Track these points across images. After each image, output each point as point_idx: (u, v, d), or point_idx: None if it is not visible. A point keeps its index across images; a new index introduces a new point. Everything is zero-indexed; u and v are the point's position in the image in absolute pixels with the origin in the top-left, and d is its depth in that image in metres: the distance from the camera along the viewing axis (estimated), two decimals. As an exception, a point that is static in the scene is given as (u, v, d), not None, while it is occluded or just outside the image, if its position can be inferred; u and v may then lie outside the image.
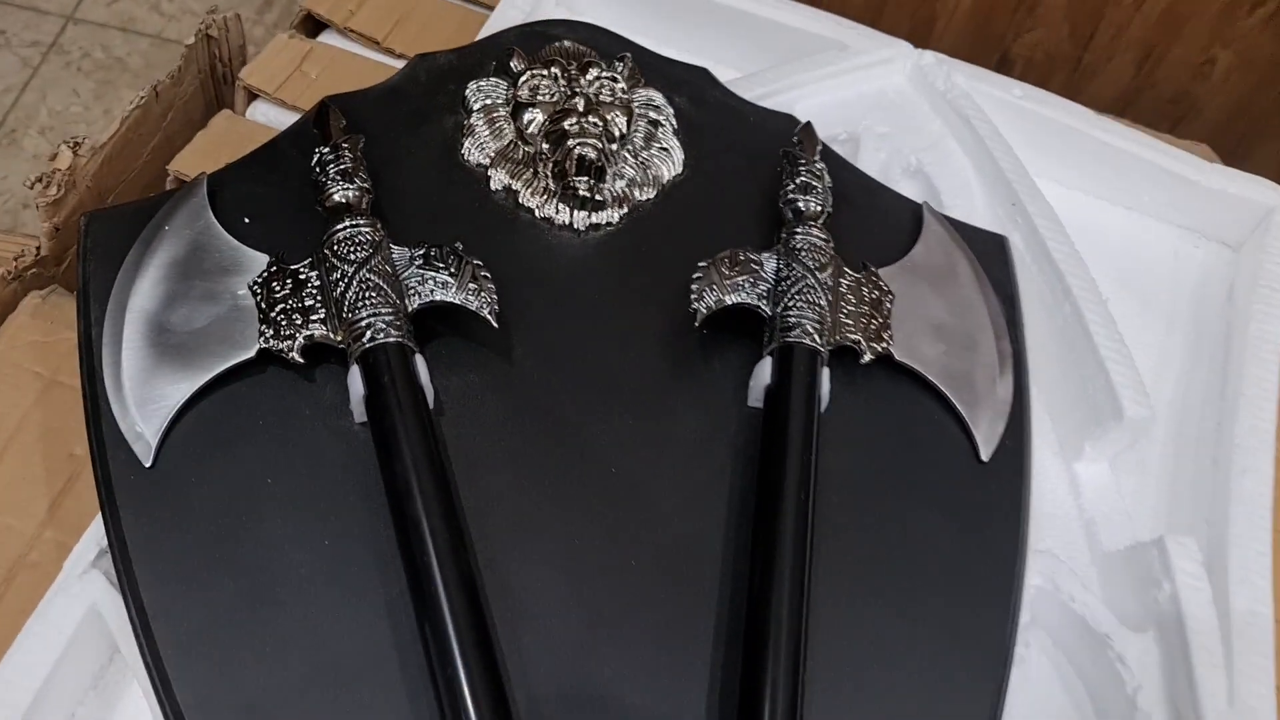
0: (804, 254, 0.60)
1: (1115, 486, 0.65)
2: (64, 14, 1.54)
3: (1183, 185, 0.75)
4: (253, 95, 0.78)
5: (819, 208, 0.63)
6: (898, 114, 0.76)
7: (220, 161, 0.66)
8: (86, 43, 1.52)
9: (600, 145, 0.64)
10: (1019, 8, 1.13)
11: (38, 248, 0.69)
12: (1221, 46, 1.12)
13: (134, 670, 0.53)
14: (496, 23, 0.76)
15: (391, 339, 0.54)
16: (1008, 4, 1.13)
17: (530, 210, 0.64)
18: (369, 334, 0.54)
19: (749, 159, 0.69)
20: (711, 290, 0.59)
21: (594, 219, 0.64)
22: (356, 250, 0.56)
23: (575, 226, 0.64)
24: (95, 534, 0.53)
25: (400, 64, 0.79)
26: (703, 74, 0.73)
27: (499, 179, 0.65)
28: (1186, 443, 0.68)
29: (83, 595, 0.52)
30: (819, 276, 0.60)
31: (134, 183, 0.75)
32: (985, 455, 0.60)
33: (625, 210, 0.65)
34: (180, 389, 0.54)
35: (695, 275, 0.60)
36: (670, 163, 0.67)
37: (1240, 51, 1.12)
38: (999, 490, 0.59)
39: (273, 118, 0.77)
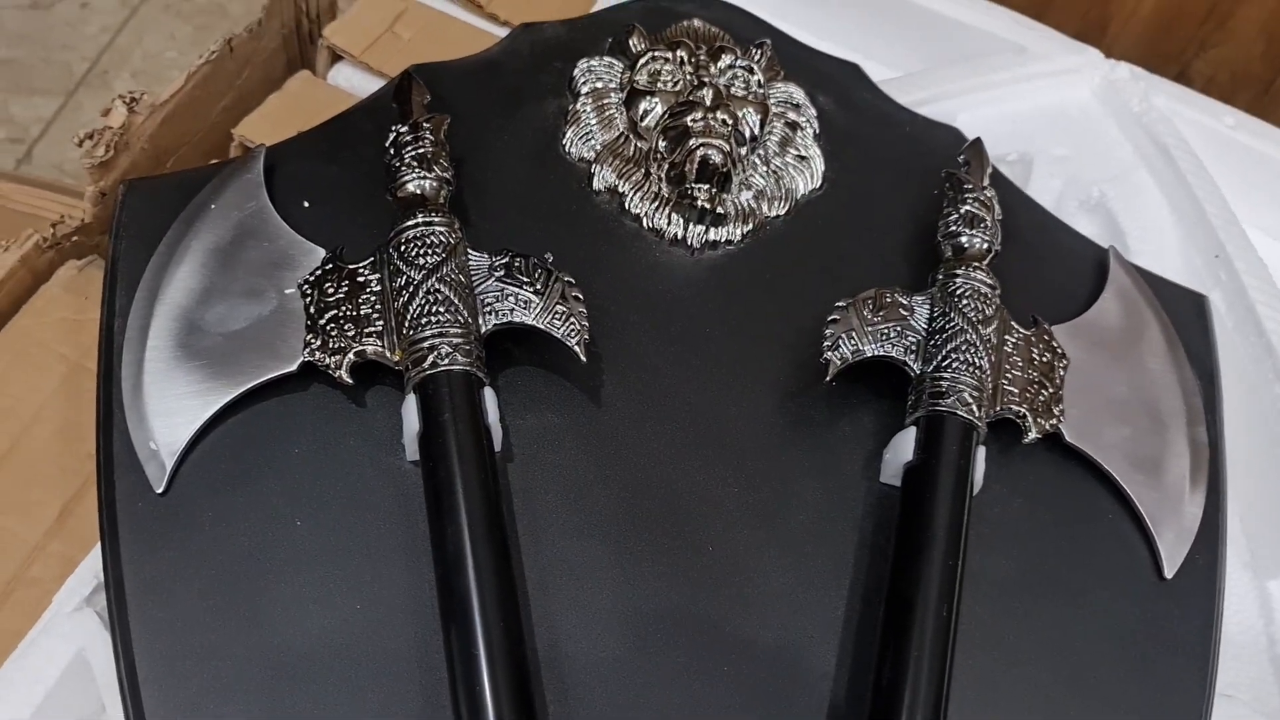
0: (965, 302, 0.50)
1: (1317, 614, 0.53)
2: (170, -47, 1.48)
3: None
4: (336, 56, 0.70)
5: (986, 245, 0.52)
6: (1080, 135, 0.64)
7: (293, 129, 0.58)
8: (192, -16, 1.46)
9: (727, 148, 0.53)
10: (1208, 18, 0.99)
11: (82, 215, 0.61)
12: None
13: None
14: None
15: (458, 366, 0.45)
16: (1196, 13, 0.99)
17: (637, 218, 0.54)
18: (431, 358, 0.45)
19: (901, 176, 0.58)
20: (850, 338, 0.49)
21: (712, 235, 0.54)
22: (427, 253, 0.47)
23: (689, 242, 0.54)
24: (94, 564, 0.46)
25: (503, 32, 0.70)
26: (853, 70, 0.62)
27: (604, 178, 0.55)
28: (1407, 567, 0.56)
29: (71, 637, 0.44)
30: (981, 331, 0.49)
31: (197, 146, 0.67)
32: (1169, 572, 0.49)
33: (750, 227, 0.55)
34: (207, 402, 0.46)
35: (831, 318, 0.49)
36: (808, 174, 0.57)
37: None
38: (1185, 618, 0.48)
39: (356, 84, 0.69)
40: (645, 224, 0.54)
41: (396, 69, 0.67)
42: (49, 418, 0.55)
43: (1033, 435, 0.49)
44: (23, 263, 0.58)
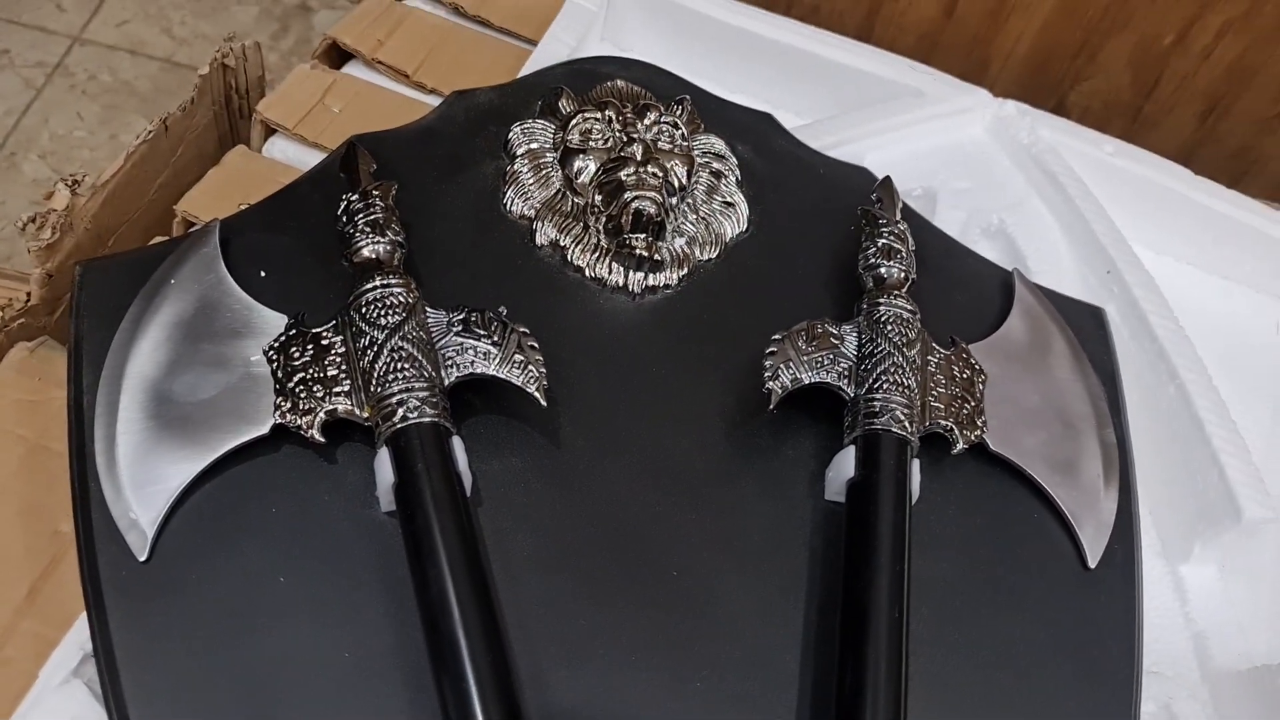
0: (889, 327, 0.54)
1: (1224, 593, 0.58)
2: (70, 34, 1.48)
3: (1287, 254, 0.68)
4: (270, 130, 0.72)
5: (903, 274, 0.56)
6: (977, 168, 0.70)
7: (233, 202, 0.60)
8: (93, 65, 1.46)
9: (660, 199, 0.57)
10: (1079, 53, 1.07)
11: (27, 295, 0.62)
12: (1293, 99, 1.06)
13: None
14: (540, 58, 0.70)
15: (426, 418, 0.47)
16: (1067, 49, 1.07)
17: (580, 269, 0.58)
18: (401, 412, 0.47)
19: (820, 216, 0.62)
20: (788, 368, 0.52)
21: (651, 280, 0.58)
22: (388, 314, 0.49)
23: (630, 289, 0.57)
24: (79, 636, 0.46)
25: (432, 100, 0.73)
26: (767, 119, 0.66)
27: (545, 233, 0.58)
28: (1301, 546, 0.61)
29: (61, 710, 0.45)
30: (907, 354, 0.53)
31: (138, 223, 0.68)
32: (1092, 563, 0.53)
33: (685, 271, 0.59)
34: (183, 470, 0.47)
35: (769, 350, 0.53)
36: (734, 219, 0.61)
37: (1314, 104, 1.06)
38: (1109, 603, 0.52)
39: (292, 155, 0.71)
40: (588, 274, 0.58)
41: (330, 140, 0.70)
42: (10, 498, 0.56)
43: (960, 446, 0.53)
44: (-27, 346, 0.59)
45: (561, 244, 0.58)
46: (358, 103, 0.73)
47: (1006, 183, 0.69)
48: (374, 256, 0.52)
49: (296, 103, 0.72)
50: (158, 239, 0.65)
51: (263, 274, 0.54)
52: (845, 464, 0.51)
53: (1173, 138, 1.14)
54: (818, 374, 0.53)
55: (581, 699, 0.46)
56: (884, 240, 0.57)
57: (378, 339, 0.49)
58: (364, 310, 0.50)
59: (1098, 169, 0.69)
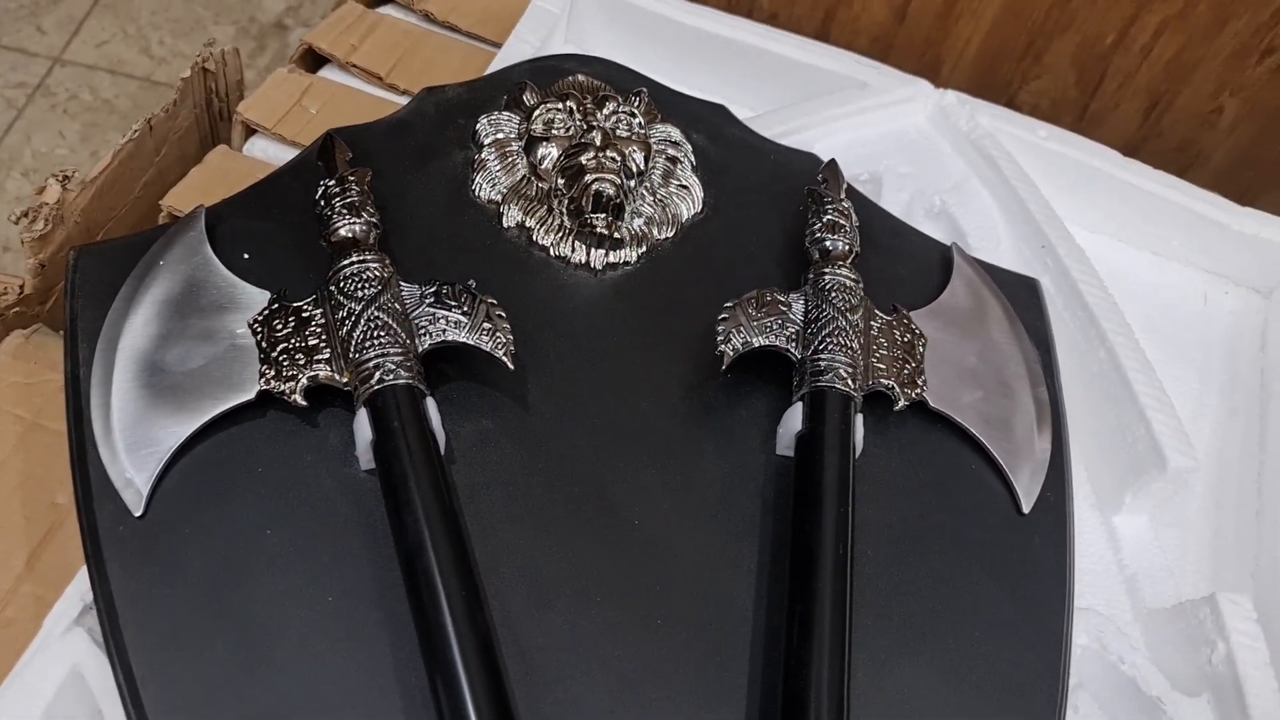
0: (834, 295, 0.58)
1: (1155, 541, 0.62)
2: (51, 55, 1.51)
3: (1212, 229, 0.73)
4: (250, 130, 0.75)
5: (847, 247, 0.60)
6: (919, 154, 0.74)
7: (216, 197, 0.63)
8: (74, 84, 1.49)
9: (619, 181, 0.61)
10: (1026, 54, 1.12)
11: (21, 285, 0.65)
12: (1229, 95, 1.11)
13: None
14: (505, 58, 0.74)
15: (401, 380, 0.51)
16: (1014, 50, 1.12)
17: (545, 248, 0.61)
18: (377, 375, 0.51)
19: (770, 198, 0.66)
20: (739, 332, 0.56)
21: (611, 258, 0.62)
22: (364, 287, 0.53)
23: (592, 265, 0.61)
24: (79, 589, 0.50)
25: (403, 100, 0.77)
26: (720, 111, 0.70)
27: (512, 216, 0.62)
28: (1227, 495, 0.66)
29: (64, 655, 0.48)
30: (850, 318, 0.57)
31: (124, 219, 0.71)
32: (1026, 508, 0.57)
33: (644, 249, 0.62)
34: (174, 433, 0.50)
35: (721, 316, 0.57)
36: (690, 201, 0.65)
37: (1248, 100, 1.11)
38: (1042, 545, 0.56)
39: (271, 154, 0.74)
40: (552, 252, 0.61)
41: (308, 139, 0.74)
42: (10, 473, 0.59)
43: (901, 403, 0.57)
44: (-30, 333, 0.62)
45: (527, 225, 0.62)
46: (333, 104, 0.77)
47: (947, 166, 0.73)
48: (351, 236, 0.55)
49: (275, 104, 0.76)
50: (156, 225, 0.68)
51: (246, 256, 0.58)
52: (794, 419, 0.55)
53: (1119, 133, 1.19)
54: (767, 337, 0.57)
55: (549, 638, 0.49)
56: (829, 216, 0.61)
57: (355, 310, 0.53)
58: (342, 284, 0.53)
59: (1032, 153, 0.74)
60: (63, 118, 1.46)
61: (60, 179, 0.66)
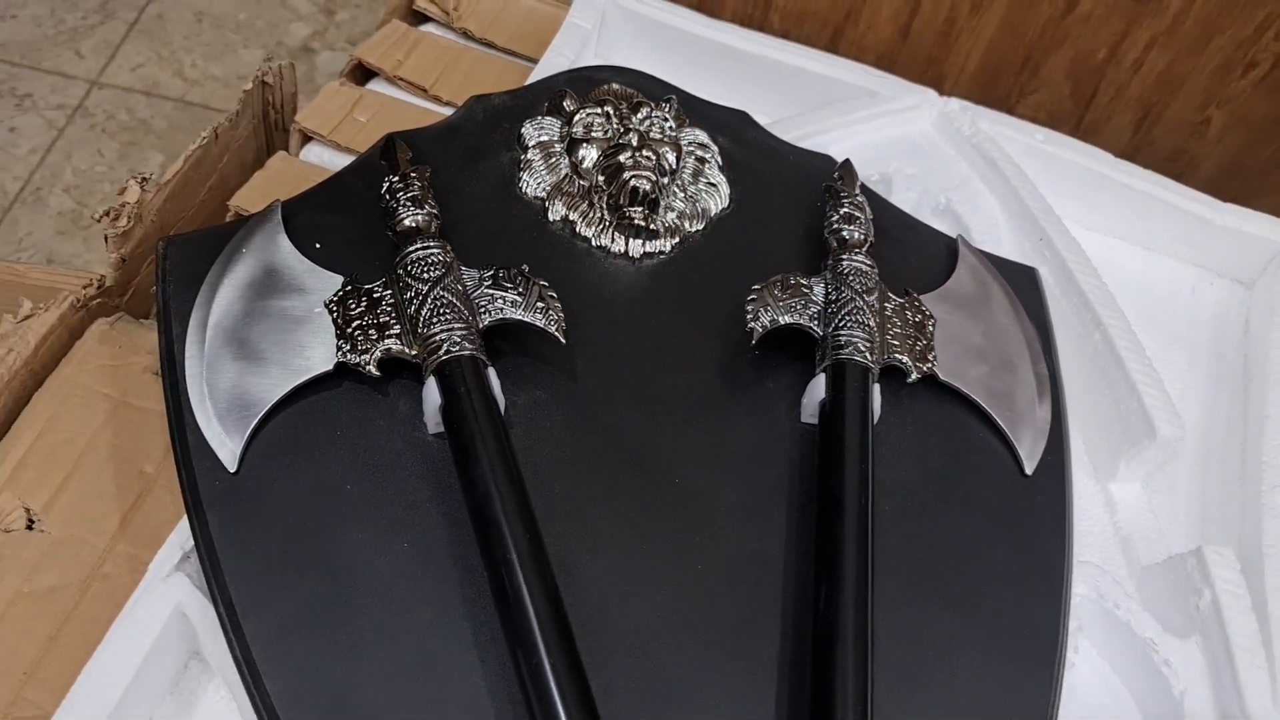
0: (851, 278, 0.64)
1: (1148, 505, 0.68)
2: (89, 79, 1.58)
3: (1197, 224, 0.79)
4: (306, 138, 0.81)
5: (862, 236, 0.66)
6: (926, 157, 0.80)
7: (278, 197, 0.69)
8: (111, 106, 1.56)
9: (654, 178, 0.67)
10: (1023, 69, 1.18)
11: (102, 279, 0.71)
12: (1216, 107, 1.17)
13: (218, 669, 0.54)
14: (543, 70, 0.80)
15: (466, 352, 0.56)
16: (1012, 65, 1.18)
17: (587, 240, 0.67)
18: (445, 347, 0.56)
19: (791, 195, 0.72)
20: (766, 310, 0.62)
21: (648, 248, 0.67)
22: (429, 270, 0.59)
23: (630, 255, 0.67)
24: (177, 539, 0.55)
25: (446, 110, 0.83)
26: (742, 116, 0.77)
27: (556, 210, 0.68)
28: (1214, 465, 0.71)
29: (168, 596, 0.53)
30: (866, 299, 0.63)
31: (193, 218, 0.77)
32: (1029, 469, 0.62)
33: (676, 240, 0.68)
34: (262, 399, 0.56)
35: (750, 298, 0.63)
36: (717, 197, 0.71)
37: (1234, 111, 1.17)
38: (1044, 502, 0.62)
39: (326, 159, 0.81)
40: (593, 243, 0.67)
41: (360, 146, 0.80)
42: (100, 445, 0.64)
43: (914, 376, 0.63)
44: (60, 321, 0.68)
45: (570, 219, 0.68)
46: (382, 114, 0.83)
47: (951, 168, 0.79)
48: (415, 225, 0.61)
49: (328, 114, 0.82)
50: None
51: (318, 245, 0.63)
52: (817, 389, 0.61)
53: (1113, 144, 1.26)
54: (792, 316, 0.62)
55: (601, 578, 0.55)
56: (845, 209, 0.67)
57: (422, 290, 0.58)
58: (409, 268, 0.59)
59: (1030, 155, 0.80)
60: (101, 137, 1.52)
61: (139, 180, 0.72)
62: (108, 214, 0.71)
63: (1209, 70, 1.14)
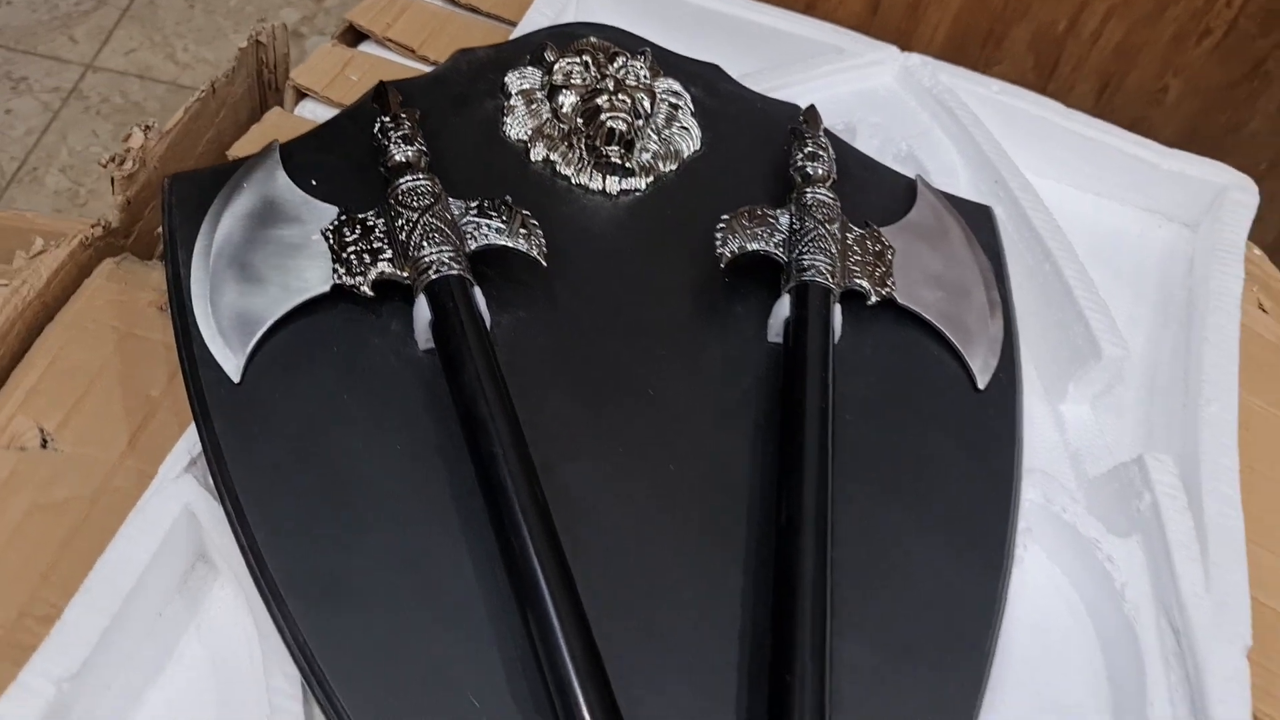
0: (815, 209, 0.68)
1: (1096, 425, 0.72)
2: (83, 62, 1.62)
3: (1144, 169, 0.83)
4: (301, 95, 0.86)
5: (825, 172, 0.71)
6: (889, 108, 0.84)
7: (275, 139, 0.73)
8: (105, 89, 1.60)
9: (629, 119, 0.71)
10: (987, 41, 1.23)
11: (109, 221, 0.75)
12: (1173, 75, 1.22)
13: (224, 568, 0.58)
14: (524, 29, 0.84)
15: (454, 272, 0.61)
16: (977, 37, 1.23)
17: (567, 178, 0.72)
18: (434, 268, 0.61)
19: (760, 139, 0.77)
20: (734, 238, 0.66)
21: (624, 185, 0.72)
22: (419, 199, 0.63)
23: (608, 191, 0.71)
24: (186, 445, 0.59)
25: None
26: (715, 69, 0.81)
27: (538, 152, 0.72)
28: (1158, 390, 0.76)
29: (177, 496, 0.57)
30: (829, 228, 0.67)
31: (194, 166, 0.81)
32: (981, 384, 0.67)
33: (651, 179, 0.73)
34: (264, 317, 0.60)
35: (719, 227, 0.67)
36: (689, 140, 0.75)
37: (1189, 79, 1.22)
38: (995, 414, 0.66)
39: (319, 115, 0.84)
40: (573, 181, 0.72)
41: (351, 101, 0.84)
42: (110, 372, 0.68)
43: (874, 299, 0.67)
44: (70, 258, 0.72)
45: (551, 159, 0.72)
46: (373, 72, 0.87)
47: (913, 118, 0.84)
48: (405, 160, 0.66)
49: (322, 72, 0.86)
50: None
51: (314, 182, 0.67)
52: (782, 309, 0.65)
53: (1075, 114, 1.31)
54: (759, 243, 0.67)
55: (580, 479, 0.59)
56: (809, 148, 0.72)
57: (412, 218, 0.63)
58: (400, 198, 0.63)
59: (987, 105, 0.84)
60: (95, 119, 1.56)
61: (143, 129, 0.76)
62: (114, 159, 0.75)
63: (1165, 39, 1.19)
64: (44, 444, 0.64)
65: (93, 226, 0.73)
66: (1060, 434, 0.72)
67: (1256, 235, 0.91)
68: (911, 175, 0.80)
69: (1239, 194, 0.82)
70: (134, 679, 0.56)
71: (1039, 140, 0.84)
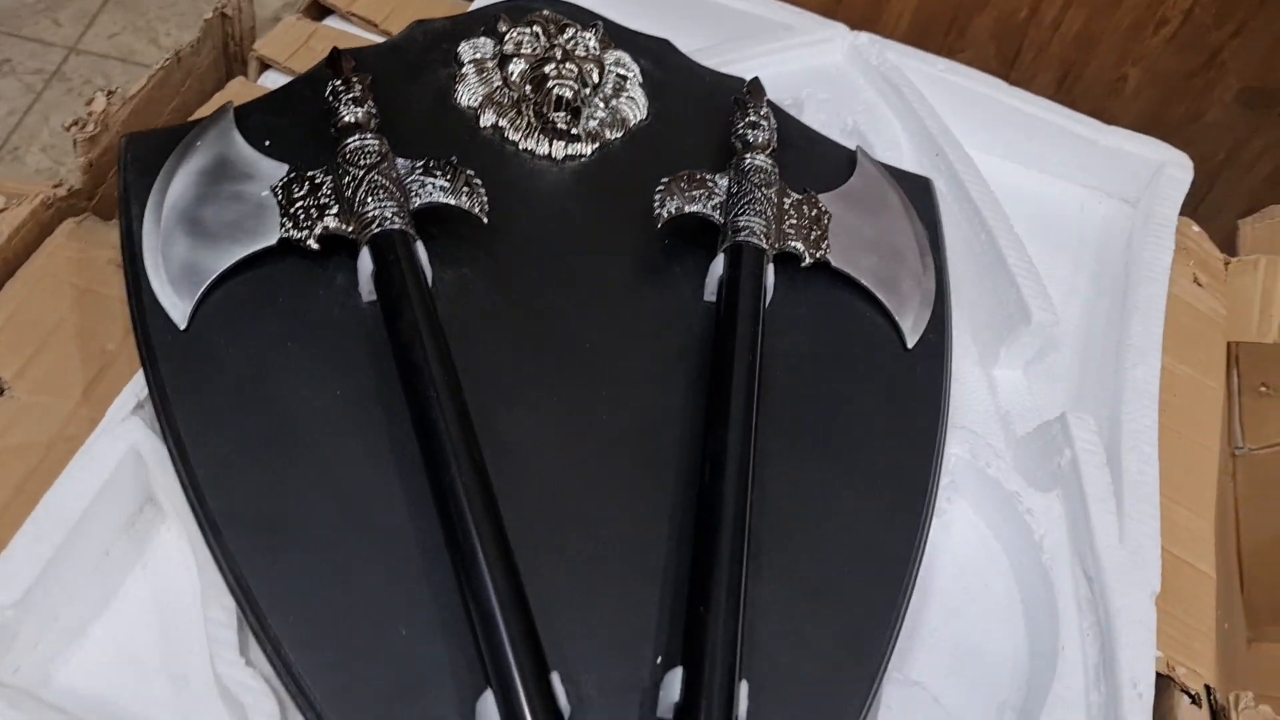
0: (752, 174, 0.70)
1: (1027, 389, 0.75)
2: (66, 45, 1.64)
3: (1084, 145, 0.86)
4: (264, 66, 0.88)
5: (765, 140, 0.73)
6: (836, 84, 0.87)
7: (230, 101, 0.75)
8: (88, 71, 1.62)
9: (576, 88, 0.73)
10: (950, 29, 1.26)
11: (71, 184, 0.77)
12: (1132, 64, 1.25)
13: (170, 510, 0.60)
14: (482, 2, 0.86)
15: (396, 226, 0.63)
16: (940, 25, 1.25)
17: (514, 143, 0.74)
18: (377, 223, 0.63)
19: (705, 111, 0.79)
20: (672, 199, 0.69)
21: (569, 150, 0.74)
22: (366, 158, 0.65)
23: (554, 156, 0.74)
24: (134, 388, 0.61)
25: (397, 43, 0.89)
26: (665, 44, 0.83)
27: (487, 118, 0.75)
28: (1090, 359, 0.78)
29: (124, 436, 0.59)
30: (765, 192, 0.69)
31: (157, 135, 0.83)
32: (910, 344, 0.69)
33: (596, 145, 0.75)
34: (211, 268, 0.62)
35: (658, 189, 0.69)
36: (636, 110, 0.77)
37: (1148, 68, 1.24)
38: (923, 372, 0.68)
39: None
40: (520, 146, 0.74)
41: (313, 71, 0.86)
42: (67, 325, 0.70)
43: (808, 261, 0.69)
44: (32, 216, 0.74)
45: (500, 125, 0.74)
46: (337, 44, 0.89)
47: (860, 94, 0.86)
48: (354, 120, 0.68)
49: (285, 44, 0.88)
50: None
51: (267, 143, 0.69)
52: (717, 268, 0.67)
53: (1037, 103, 1.33)
54: (696, 205, 0.69)
55: (514, 424, 0.61)
56: (750, 117, 0.74)
57: (358, 175, 0.65)
58: (348, 156, 0.66)
59: (934, 83, 0.86)
60: (78, 100, 1.58)
61: (106, 94, 0.78)
62: (76, 122, 0.77)
63: (1123, 28, 1.22)
64: (0, 391, 0.66)
65: (54, 187, 0.75)
66: (992, 397, 0.74)
67: (1214, 222, 0.94)
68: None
69: (1175, 170, 0.84)
70: (80, 613, 0.58)
71: (984, 117, 0.87)
